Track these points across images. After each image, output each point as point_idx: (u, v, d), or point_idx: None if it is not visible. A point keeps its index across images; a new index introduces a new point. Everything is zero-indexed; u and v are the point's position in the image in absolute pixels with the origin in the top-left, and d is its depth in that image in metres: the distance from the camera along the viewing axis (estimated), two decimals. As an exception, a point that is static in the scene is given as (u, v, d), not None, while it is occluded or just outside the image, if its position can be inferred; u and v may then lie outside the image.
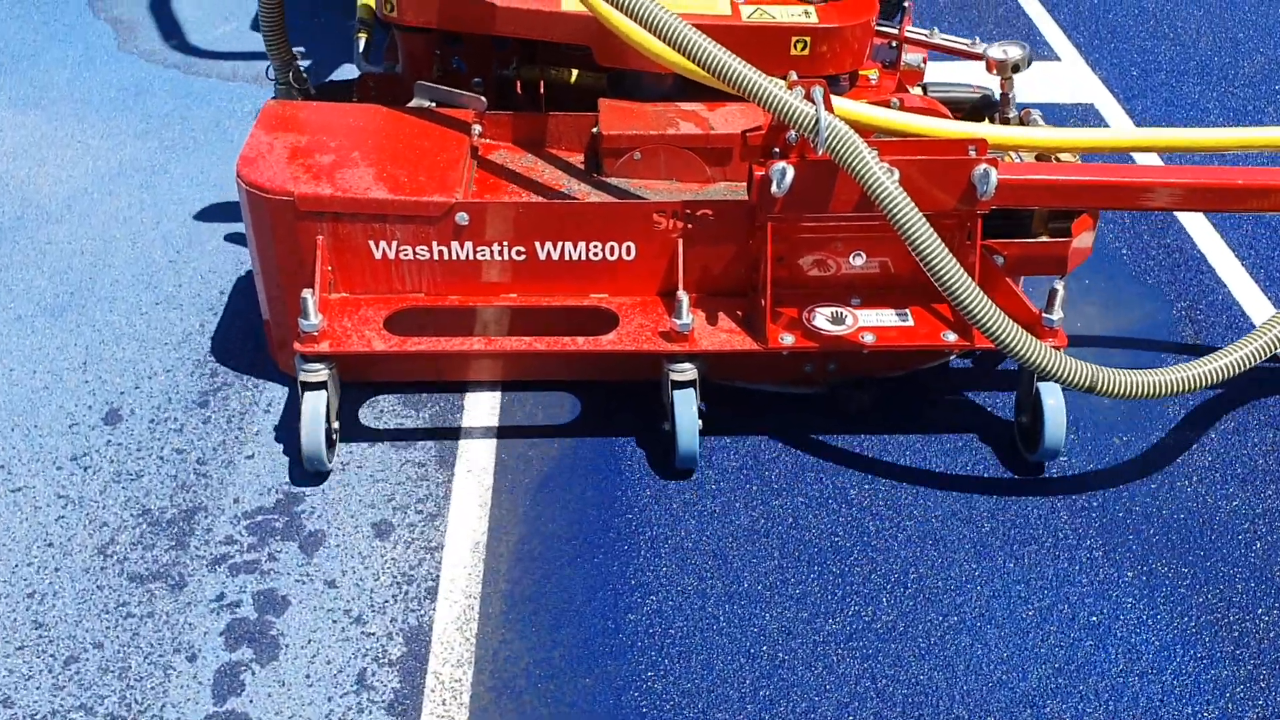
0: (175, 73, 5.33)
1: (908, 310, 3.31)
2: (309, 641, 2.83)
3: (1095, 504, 3.22)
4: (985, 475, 3.31)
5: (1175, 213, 4.33)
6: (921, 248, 2.87)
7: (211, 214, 4.35)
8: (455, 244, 3.25)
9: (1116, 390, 2.98)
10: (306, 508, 3.17)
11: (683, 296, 3.16)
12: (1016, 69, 3.64)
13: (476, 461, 3.31)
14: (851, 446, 3.39)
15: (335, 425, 3.28)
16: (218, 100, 5.11)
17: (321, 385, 3.17)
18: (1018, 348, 2.93)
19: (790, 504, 3.20)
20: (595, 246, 3.28)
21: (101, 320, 3.81)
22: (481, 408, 3.49)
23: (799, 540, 3.10)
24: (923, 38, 3.95)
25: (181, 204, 4.41)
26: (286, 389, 3.54)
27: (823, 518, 3.17)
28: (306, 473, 3.24)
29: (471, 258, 3.28)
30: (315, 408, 3.15)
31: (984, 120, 3.80)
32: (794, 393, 3.53)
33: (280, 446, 3.35)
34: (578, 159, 3.60)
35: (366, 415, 3.48)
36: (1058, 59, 5.55)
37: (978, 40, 3.86)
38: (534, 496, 3.21)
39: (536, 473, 3.29)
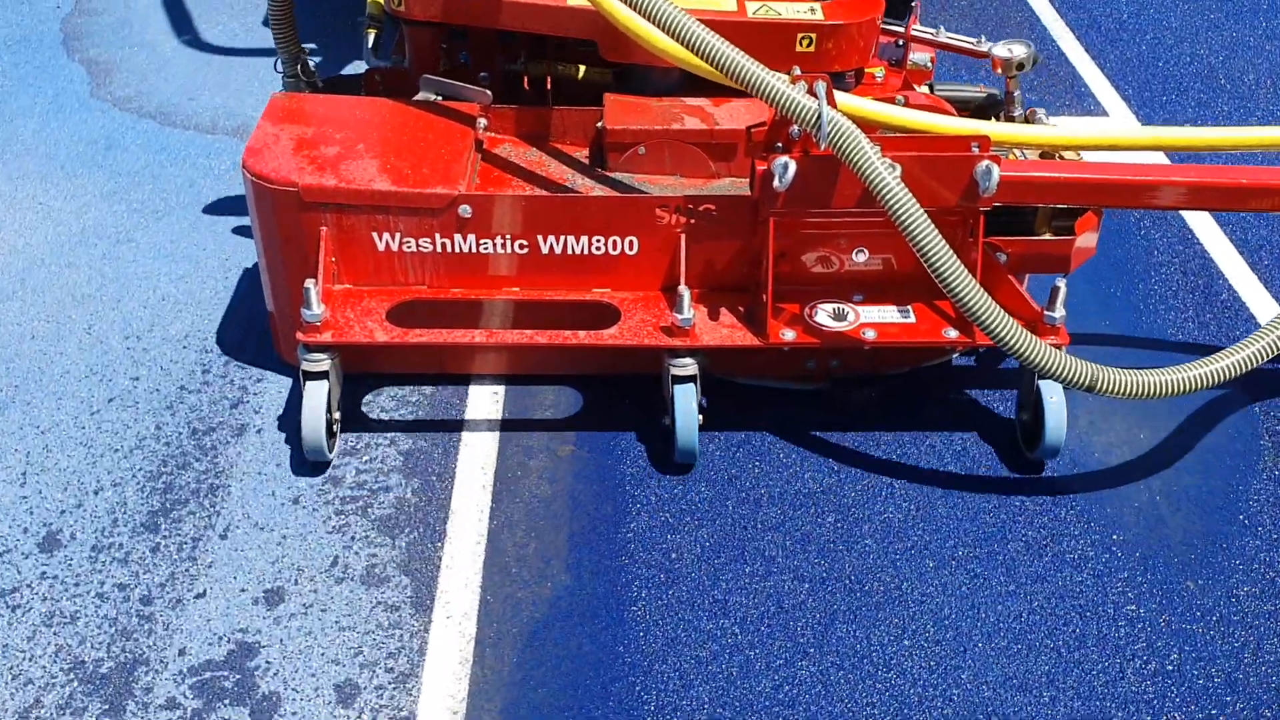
0: (150, 124, 4.89)
1: (910, 307, 3.31)
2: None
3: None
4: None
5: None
6: (923, 244, 2.87)
7: (178, 292, 3.94)
8: (458, 236, 3.26)
9: (1117, 390, 2.97)
10: (262, 662, 2.75)
11: (684, 291, 3.17)
12: (1021, 67, 3.64)
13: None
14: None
15: (336, 416, 3.30)
16: (194, 156, 4.68)
17: (323, 375, 3.18)
18: (1018, 346, 2.93)
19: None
20: (598, 241, 3.28)
21: (47, 420, 3.41)
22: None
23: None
24: (929, 36, 3.94)
25: (146, 279, 3.99)
26: (243, 504, 3.15)
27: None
28: (259, 611, 2.91)
29: (474, 250, 3.29)
30: (316, 397, 3.16)
31: (990, 119, 3.80)
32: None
33: (237, 584, 2.95)
34: (582, 153, 3.61)
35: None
36: (1105, 114, 5.06)
37: (983, 39, 3.86)
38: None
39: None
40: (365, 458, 3.30)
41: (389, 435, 3.38)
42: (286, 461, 3.29)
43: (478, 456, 3.32)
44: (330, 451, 3.25)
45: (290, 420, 3.40)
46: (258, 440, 3.36)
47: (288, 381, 3.54)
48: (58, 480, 3.23)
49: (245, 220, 3.97)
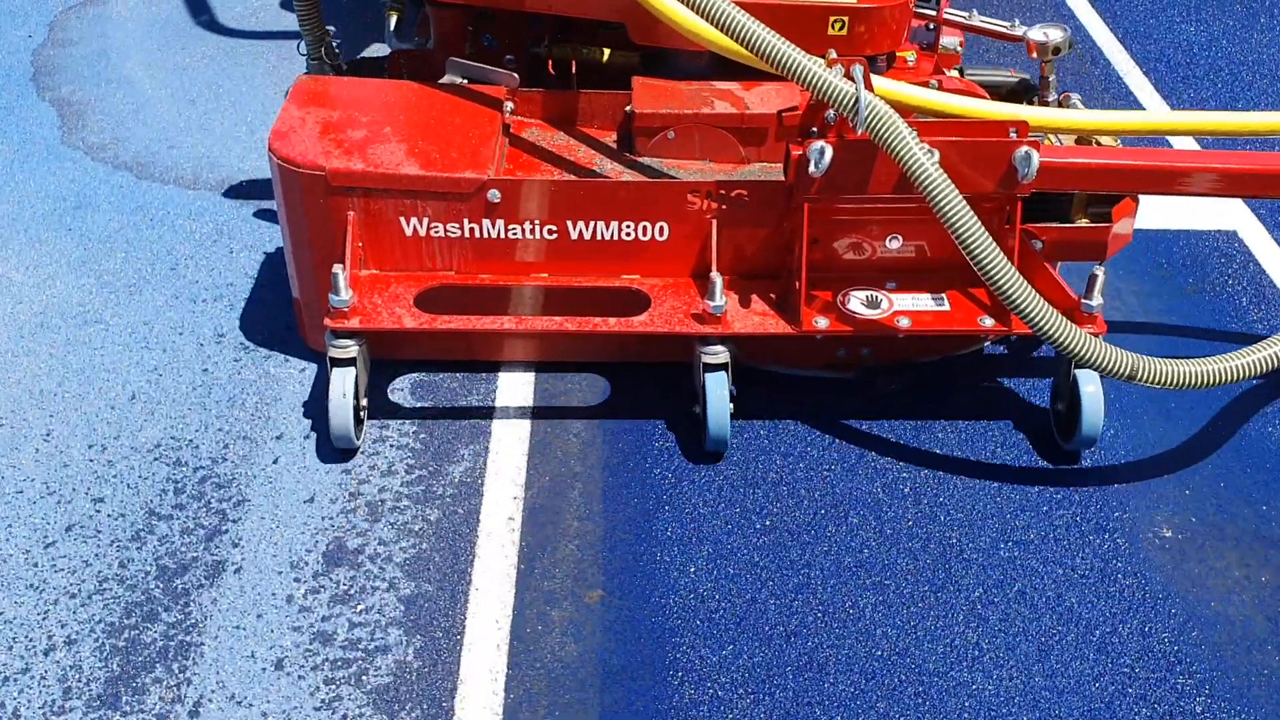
0: (126, 177, 4.37)
1: (944, 295, 3.26)
2: None
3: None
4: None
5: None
6: (961, 231, 2.83)
7: (150, 389, 3.43)
8: (486, 222, 3.22)
9: (1158, 379, 2.93)
10: None
11: (716, 278, 3.13)
12: (1058, 51, 3.59)
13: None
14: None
15: (364, 403, 3.26)
16: (173, 216, 4.17)
17: (350, 362, 3.15)
18: (1057, 334, 2.89)
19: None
20: (628, 226, 3.24)
21: (-14, 560, 2.90)
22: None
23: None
24: (962, 20, 3.89)
25: (114, 372, 3.48)
26: (218, 669, 2.69)
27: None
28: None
29: (503, 236, 3.25)
30: (343, 384, 3.13)
31: (1022, 104, 3.75)
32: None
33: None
34: (610, 138, 3.56)
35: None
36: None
37: (1018, 23, 3.80)
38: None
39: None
40: (360, 606, 2.83)
41: (387, 578, 2.90)
42: (269, 610, 2.81)
43: (491, 608, 2.85)
44: (358, 439, 3.22)
45: (273, 552, 2.95)
46: (236, 583, 2.87)
47: (272, 505, 3.08)
48: (2, 636, 2.73)
49: (226, 294, 3.79)
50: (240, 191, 4.31)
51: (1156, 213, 4.15)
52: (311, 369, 3.51)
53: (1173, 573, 2.95)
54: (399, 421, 3.33)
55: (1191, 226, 4.20)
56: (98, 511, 3.06)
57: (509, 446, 3.26)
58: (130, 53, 5.25)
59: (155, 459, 3.22)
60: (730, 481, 3.18)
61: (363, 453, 3.23)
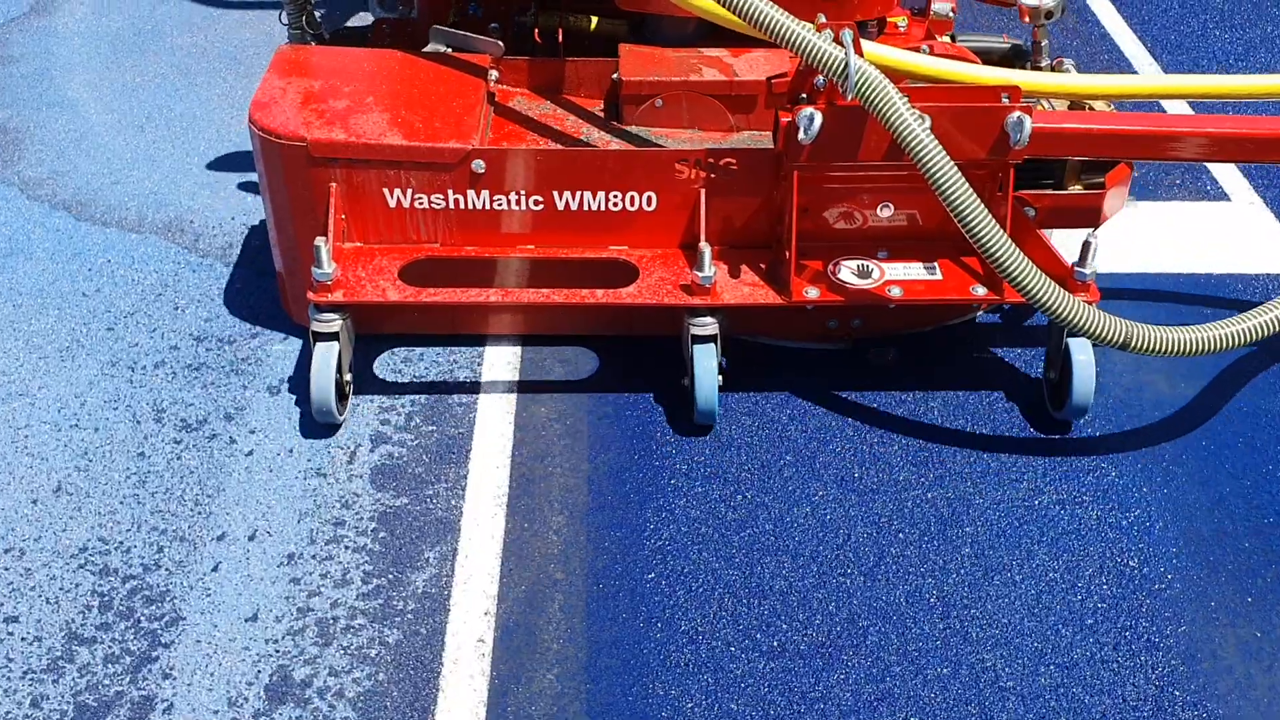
0: (64, 218, 3.96)
1: (936, 263, 3.23)
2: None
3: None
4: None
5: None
6: (953, 198, 2.78)
7: (78, 480, 3.04)
8: (471, 192, 3.17)
9: (1152, 347, 2.89)
10: None
11: (705, 249, 3.08)
12: (1050, 16, 3.53)
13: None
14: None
15: (348, 377, 3.22)
16: (114, 265, 3.75)
17: (334, 336, 3.11)
18: (1051, 302, 2.85)
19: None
20: (615, 196, 3.20)
21: None
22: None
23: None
24: (953, -16, 3.83)
25: (37, 459, 3.09)
26: None
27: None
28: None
29: (488, 207, 3.20)
30: (326, 359, 3.09)
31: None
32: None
33: None
34: (597, 106, 3.51)
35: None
36: (1226, 198, 4.20)
37: (1009, -14, 3.74)
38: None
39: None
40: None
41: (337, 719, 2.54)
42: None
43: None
44: (340, 415, 3.18)
45: (209, 685, 2.59)
46: None
47: (209, 624, 2.71)
48: None
49: (169, 360, 3.40)
50: (188, 236, 3.90)
51: (1202, 255, 3.85)
52: (260, 450, 3.14)
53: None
54: (355, 516, 2.95)
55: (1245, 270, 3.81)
56: (10, 634, 2.66)
57: (480, 545, 2.89)
58: (75, 71, 4.83)
59: (80, 565, 2.83)
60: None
61: (314, 556, 2.85)
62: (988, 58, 3.79)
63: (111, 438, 3.17)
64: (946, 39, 3.84)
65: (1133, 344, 2.90)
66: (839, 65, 2.78)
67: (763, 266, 3.23)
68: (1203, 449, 3.19)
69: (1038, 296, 2.85)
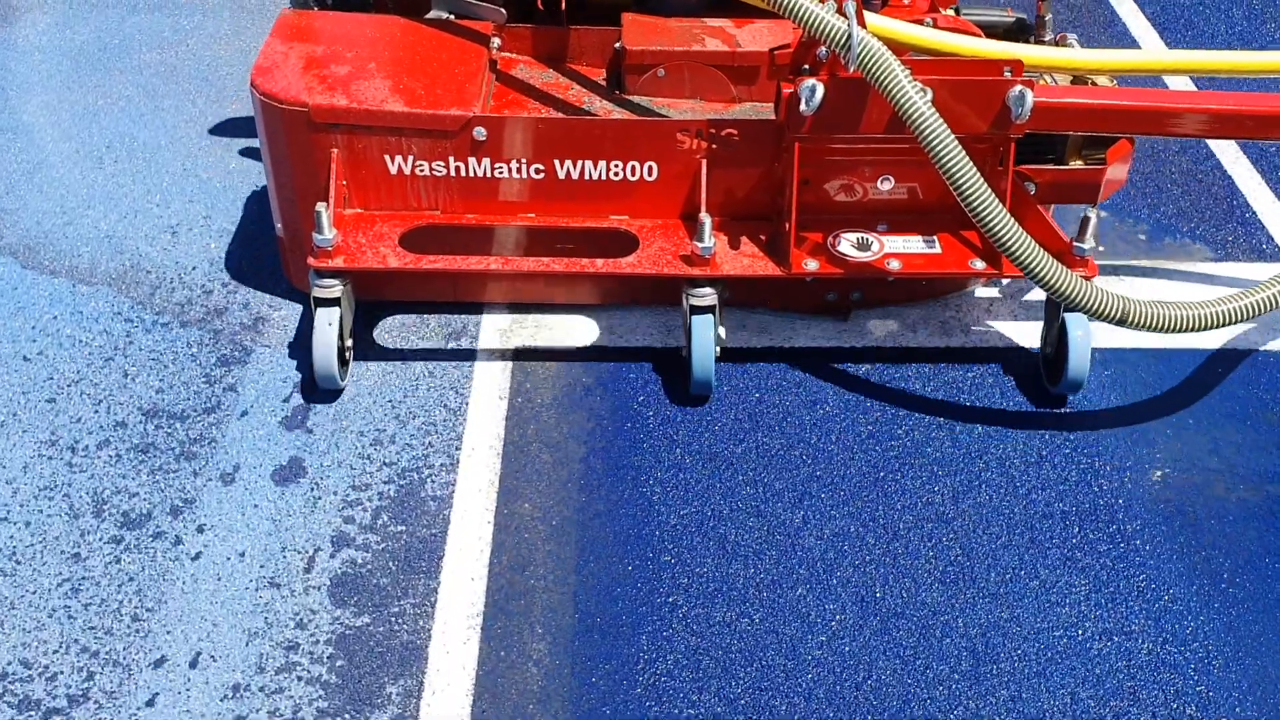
0: (8, 265, 3.61)
1: (935, 237, 3.23)
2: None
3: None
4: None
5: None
6: (953, 171, 2.79)
7: (5, 584, 2.72)
8: (473, 160, 3.17)
9: (1150, 323, 2.90)
10: None
11: (705, 219, 3.09)
12: (1054, -10, 3.52)
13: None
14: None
15: (349, 343, 3.23)
16: (60, 323, 3.40)
17: (335, 302, 3.12)
18: (1050, 277, 2.86)
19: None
20: (616, 166, 3.20)
21: None
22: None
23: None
24: (958, -44, 3.81)
25: None
26: None
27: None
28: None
29: (489, 175, 3.20)
30: (327, 324, 3.10)
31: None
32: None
33: None
34: (599, 75, 3.51)
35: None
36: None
37: (1015, -40, 3.73)
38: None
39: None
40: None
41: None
42: None
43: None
44: (342, 380, 3.19)
45: None
46: None
47: None
48: None
49: (114, 439, 3.06)
50: (144, 288, 3.55)
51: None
52: (209, 553, 2.79)
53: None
54: (310, 639, 2.62)
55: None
56: None
57: (449, 679, 2.55)
58: (33, 91, 4.45)
59: None
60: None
61: (262, 689, 2.52)
62: (991, 31, 3.77)
63: (44, 535, 2.82)
64: (950, 11, 3.82)
65: (1130, 320, 2.91)
66: (841, 37, 2.77)
67: (763, 238, 3.23)
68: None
69: (1035, 271, 2.86)
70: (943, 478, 3.02)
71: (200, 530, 2.86)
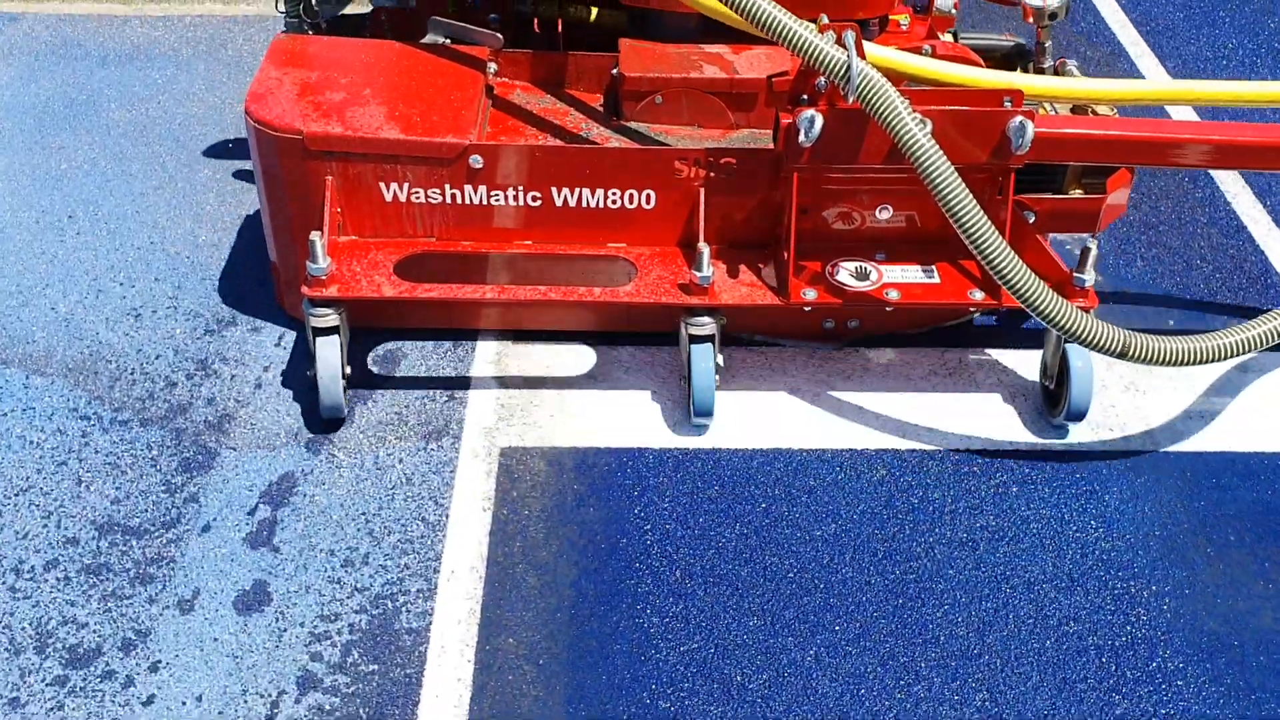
0: None
1: (934, 266, 3.21)
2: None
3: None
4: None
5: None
6: (952, 203, 2.77)
7: None
8: (469, 187, 3.15)
9: (1151, 356, 2.88)
10: None
11: (704, 248, 3.07)
12: (1054, 17, 3.51)
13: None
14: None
15: (346, 370, 3.20)
16: (10, 421, 3.15)
17: (334, 330, 3.09)
18: (1048, 310, 2.83)
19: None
20: (614, 193, 3.17)
21: None
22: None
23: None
24: (956, -18, 3.80)
25: None
26: None
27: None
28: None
29: (485, 202, 3.18)
30: (330, 355, 3.08)
31: (1016, 70, 3.67)
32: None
33: None
34: (597, 101, 3.48)
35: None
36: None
37: (1014, -15, 3.71)
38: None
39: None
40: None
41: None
42: None
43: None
44: (345, 409, 3.16)
45: None
46: None
47: None
48: None
49: (61, 561, 2.79)
50: (102, 380, 3.28)
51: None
52: (162, 697, 2.53)
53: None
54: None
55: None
56: None
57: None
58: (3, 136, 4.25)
59: None
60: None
61: None
62: (990, 56, 3.77)
63: None
64: (949, 37, 3.81)
65: (1131, 353, 2.89)
66: (841, 68, 2.75)
67: (761, 266, 3.21)
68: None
69: (1034, 304, 2.83)
70: (966, 606, 2.78)
71: (154, 669, 2.58)
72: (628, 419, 3.20)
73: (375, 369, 3.35)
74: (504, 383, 3.29)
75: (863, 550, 2.89)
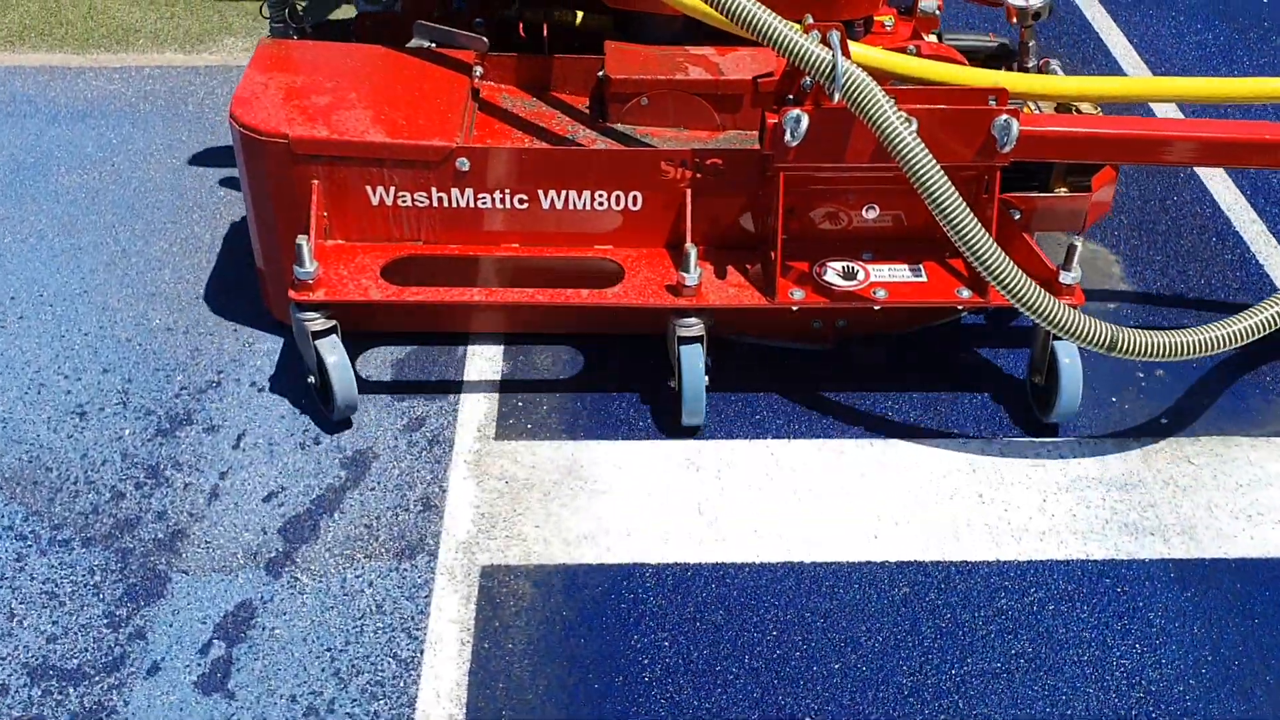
0: None
1: (921, 265, 3.22)
2: None
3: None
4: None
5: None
6: (940, 201, 2.77)
7: None
8: (455, 190, 3.14)
9: (1137, 351, 2.89)
10: None
11: (690, 249, 3.07)
12: (1038, 16, 3.53)
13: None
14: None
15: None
16: None
17: (332, 330, 3.09)
18: (1038, 306, 2.84)
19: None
20: (600, 196, 3.17)
21: None
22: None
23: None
24: (941, -17, 3.81)
25: None
26: None
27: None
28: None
29: (472, 205, 3.17)
30: (337, 353, 3.08)
31: (1001, 70, 3.68)
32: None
33: None
34: (582, 104, 3.48)
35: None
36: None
37: (997, -14, 3.72)
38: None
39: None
40: None
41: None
42: None
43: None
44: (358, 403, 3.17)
45: None
46: None
47: None
48: None
49: None
50: (42, 493, 2.98)
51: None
52: None
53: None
54: None
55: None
56: None
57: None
58: None
59: None
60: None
61: None
62: (975, 56, 3.78)
63: None
64: (933, 37, 3.82)
65: (1118, 348, 2.90)
66: (826, 67, 2.76)
67: (748, 267, 3.21)
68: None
69: (1022, 299, 2.84)
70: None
71: None
72: (622, 526, 2.91)
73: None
74: (483, 486, 3.00)
75: (887, 686, 2.59)
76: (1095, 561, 2.88)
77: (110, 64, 4.75)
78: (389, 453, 3.11)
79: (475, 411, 3.21)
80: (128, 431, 3.15)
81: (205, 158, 4.19)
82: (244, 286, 3.56)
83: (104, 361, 3.27)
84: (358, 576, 2.79)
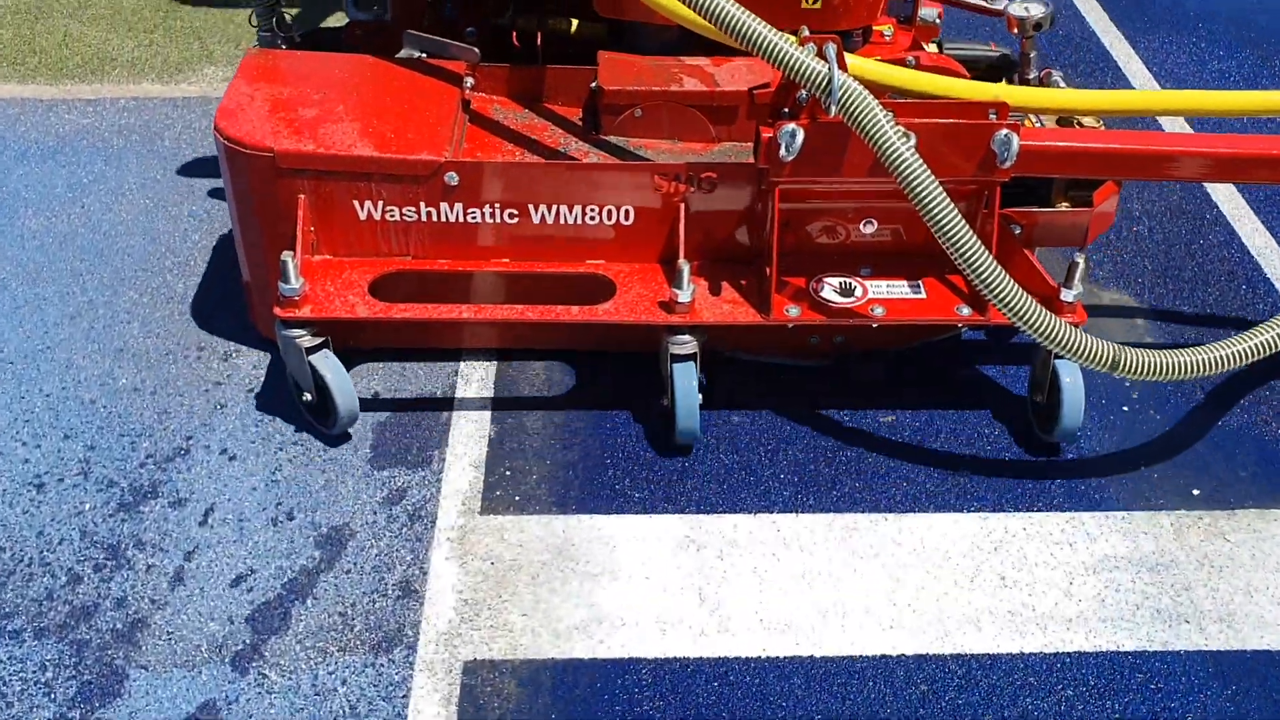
0: None
1: (920, 281, 3.15)
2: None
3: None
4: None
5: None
6: (938, 218, 2.71)
7: None
8: (444, 205, 3.08)
9: (1141, 371, 2.82)
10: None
11: (684, 265, 3.00)
12: (1039, 27, 3.46)
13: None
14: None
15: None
16: None
17: (325, 344, 3.04)
18: (1037, 324, 2.77)
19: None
20: (592, 210, 3.11)
21: None
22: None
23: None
24: (940, -9, 3.75)
25: None
26: None
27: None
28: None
29: (462, 220, 3.11)
30: (333, 367, 3.03)
31: (1002, 81, 3.62)
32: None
33: None
34: (575, 115, 3.42)
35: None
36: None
37: (999, -4, 3.66)
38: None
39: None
40: None
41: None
42: None
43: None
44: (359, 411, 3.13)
45: None
46: None
47: None
48: None
49: None
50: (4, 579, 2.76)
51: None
52: None
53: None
54: None
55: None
56: None
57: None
58: None
59: None
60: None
61: None
62: (975, 67, 3.71)
63: None
64: (933, 47, 3.76)
65: (1121, 367, 2.83)
66: (822, 80, 2.69)
67: (743, 282, 3.15)
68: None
69: (1023, 317, 2.77)
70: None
71: None
72: (616, 614, 2.71)
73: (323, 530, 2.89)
74: (466, 568, 2.80)
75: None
76: (1126, 654, 2.66)
77: (84, 95, 4.54)
78: (366, 529, 2.88)
79: (460, 482, 3.00)
80: (88, 506, 2.93)
81: (180, 195, 4.00)
82: (216, 343, 3.40)
83: (65, 426, 3.09)
84: (330, 673, 2.57)
